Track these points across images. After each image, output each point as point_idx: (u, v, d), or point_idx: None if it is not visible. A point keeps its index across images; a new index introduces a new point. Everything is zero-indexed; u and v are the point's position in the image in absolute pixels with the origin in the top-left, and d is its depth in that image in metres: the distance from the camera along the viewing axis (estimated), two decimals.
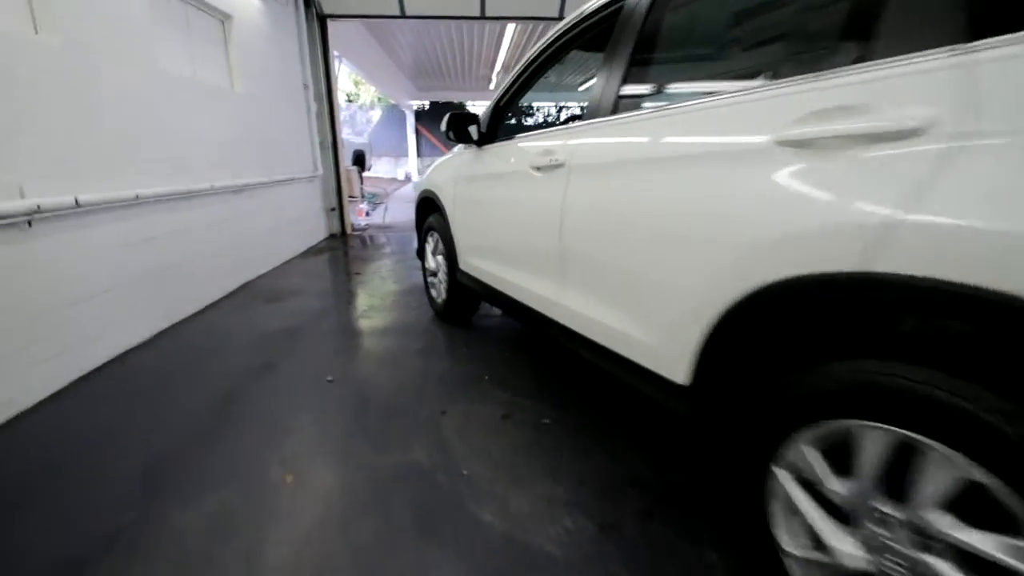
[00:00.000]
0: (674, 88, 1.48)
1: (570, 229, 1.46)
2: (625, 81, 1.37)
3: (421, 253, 3.08)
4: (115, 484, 1.46)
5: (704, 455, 1.58)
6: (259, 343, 2.58)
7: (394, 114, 17.60)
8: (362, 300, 3.41)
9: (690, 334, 1.06)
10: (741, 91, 1.01)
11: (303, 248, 5.16)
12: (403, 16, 5.64)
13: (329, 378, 2.14)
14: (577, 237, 1.45)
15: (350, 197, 6.50)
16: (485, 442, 1.66)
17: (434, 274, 2.88)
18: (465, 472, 1.50)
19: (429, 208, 2.85)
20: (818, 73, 0.87)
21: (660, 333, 1.16)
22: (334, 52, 6.39)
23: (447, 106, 17.56)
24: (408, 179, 16.62)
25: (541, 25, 7.48)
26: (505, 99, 2.10)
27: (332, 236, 6.07)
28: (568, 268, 1.51)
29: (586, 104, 1.50)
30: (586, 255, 1.42)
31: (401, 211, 8.78)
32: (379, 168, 16.33)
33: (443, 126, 2.13)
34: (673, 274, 1.11)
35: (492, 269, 2.09)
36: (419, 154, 17.83)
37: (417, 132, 17.67)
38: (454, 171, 2.43)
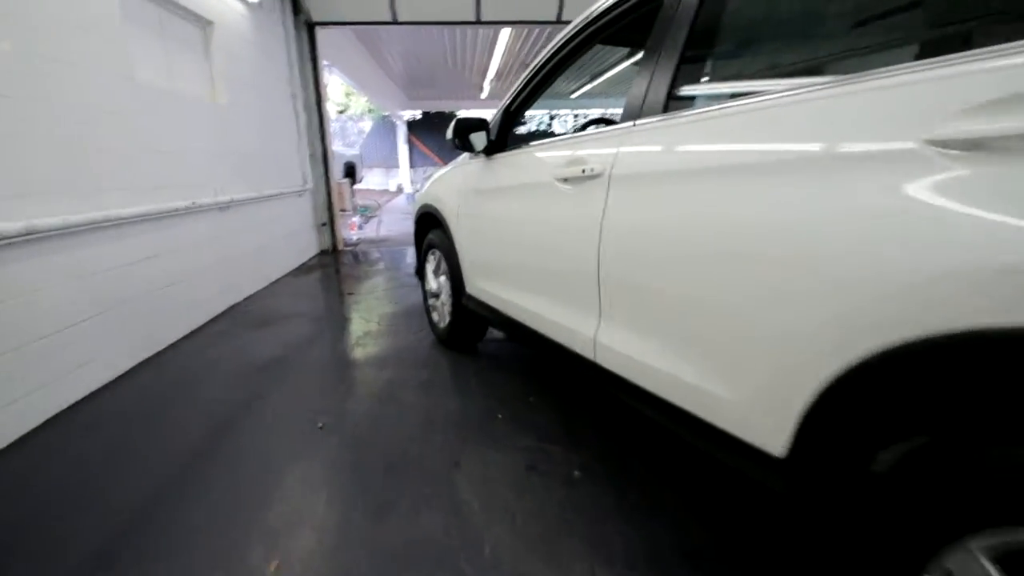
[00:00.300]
0: (756, 75, 1.24)
1: (613, 253, 1.22)
2: (682, 71, 1.13)
3: (421, 272, 2.83)
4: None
5: (800, 532, 1.33)
6: (243, 378, 2.30)
7: (385, 125, 17.40)
8: (357, 324, 3.15)
9: (794, 395, 0.81)
10: (864, 75, 0.77)
11: (293, 266, 4.88)
12: (395, 22, 5.43)
13: (320, 424, 1.87)
14: (624, 263, 1.20)
15: (341, 211, 6.24)
16: (508, 503, 1.40)
17: (436, 296, 2.63)
18: (488, 550, 1.24)
19: (429, 223, 2.61)
20: (993, 47, 0.63)
21: (747, 390, 0.91)
22: (323, 61, 6.16)
23: (439, 116, 17.39)
24: (400, 190, 16.39)
25: (536, 30, 7.32)
26: (517, 103, 1.87)
27: (323, 252, 5.80)
28: (611, 299, 1.26)
29: (624, 105, 1.26)
30: (637, 285, 1.17)
31: (395, 224, 8.53)
32: (371, 180, 16.12)
33: (449, 133, 1.89)
34: (770, 318, 0.85)
35: (506, 295, 1.84)
36: (411, 165, 17.62)
37: (409, 143, 17.46)
38: (459, 183, 2.18)
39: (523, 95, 1.84)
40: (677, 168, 1.07)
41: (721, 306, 0.95)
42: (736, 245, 0.91)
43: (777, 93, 0.89)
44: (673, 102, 1.14)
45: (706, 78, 1.28)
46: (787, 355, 0.82)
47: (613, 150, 1.24)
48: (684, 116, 1.09)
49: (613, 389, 1.30)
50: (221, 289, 3.43)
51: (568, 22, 5.27)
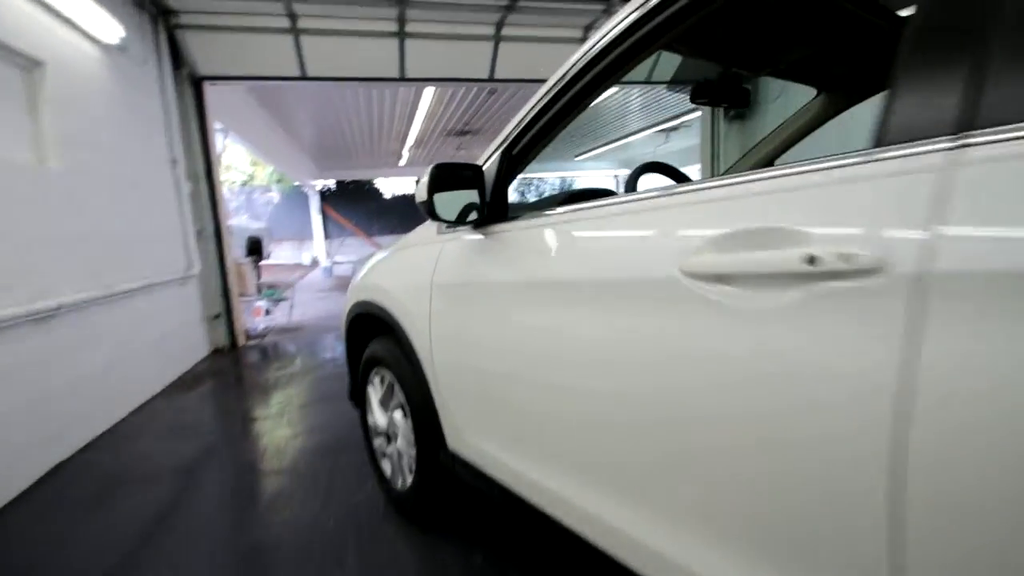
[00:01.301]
0: None
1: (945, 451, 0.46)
2: None
3: (358, 398, 1.91)
4: None
5: None
6: None
7: (296, 195, 16.21)
8: (267, 481, 2.10)
9: None
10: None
11: (170, 379, 3.66)
12: (303, 78, 4.67)
13: None
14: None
15: (242, 296, 5.10)
16: None
17: (387, 438, 1.72)
18: None
19: (372, 328, 1.74)
20: None
21: None
22: (216, 123, 5.22)
23: (355, 186, 16.54)
24: (315, 264, 15.03)
25: (460, 92, 6.90)
26: (526, 140, 1.13)
27: (218, 351, 4.58)
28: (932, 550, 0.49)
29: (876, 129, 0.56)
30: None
31: (310, 304, 7.38)
32: (281, 254, 14.70)
33: (420, 192, 1.10)
34: None
35: (547, 479, 1.01)
36: (327, 236, 16.41)
37: (323, 213, 16.33)
38: (426, 273, 1.36)
39: (537, 127, 1.10)
40: None
41: None
42: None
43: None
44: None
45: None
46: None
47: (919, 212, 0.50)
48: None
49: None
50: (42, 440, 2.25)
51: (505, 80, 4.77)
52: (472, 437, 1.24)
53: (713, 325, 0.67)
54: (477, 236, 1.20)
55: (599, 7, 4.52)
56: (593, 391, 0.88)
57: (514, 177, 1.21)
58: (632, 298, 0.80)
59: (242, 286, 5.04)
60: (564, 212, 1.00)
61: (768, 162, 1.91)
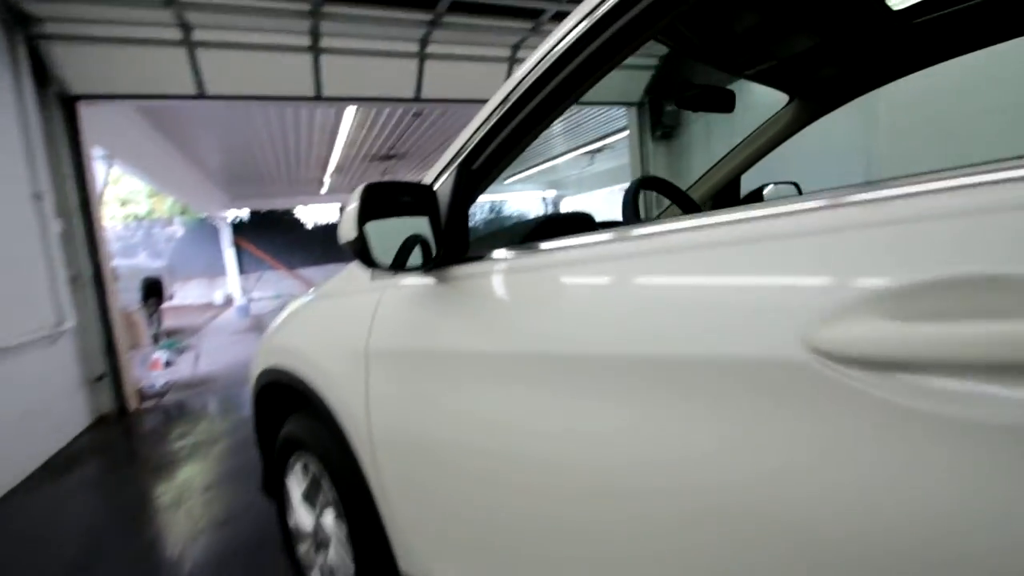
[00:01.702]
0: None
1: None
2: None
3: (275, 491, 1.48)
4: None
5: None
6: None
7: (204, 227, 14.84)
8: None
9: None
10: None
11: (34, 466, 2.92)
12: (203, 96, 4.13)
13: None
14: None
15: (135, 349, 4.35)
16: None
17: (317, 544, 1.31)
18: None
19: (289, 401, 1.34)
20: None
21: None
22: (96, 149, 4.51)
23: (270, 216, 15.43)
24: (229, 302, 13.74)
25: (386, 113, 6.54)
26: (492, 150, 0.83)
27: (103, 420, 3.80)
28: None
29: None
30: None
31: (223, 350, 6.55)
32: (189, 294, 13.34)
33: (345, 229, 0.75)
34: None
35: None
36: (242, 271, 15.10)
37: (237, 246, 15.04)
38: (360, 332, 0.99)
39: (507, 130, 0.80)
40: None
41: None
42: None
43: None
44: None
45: None
46: None
47: None
48: None
49: None
50: None
51: (432, 100, 4.45)
52: (435, 562, 0.89)
53: (887, 451, 0.38)
54: (429, 281, 0.87)
55: (527, 25, 4.38)
56: (625, 529, 0.57)
57: (475, 199, 0.91)
58: (702, 388, 0.50)
59: (134, 337, 4.30)
60: (564, 248, 0.70)
61: (740, 173, 1.74)
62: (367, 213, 0.73)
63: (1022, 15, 1.16)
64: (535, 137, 0.84)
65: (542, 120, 0.81)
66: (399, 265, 0.80)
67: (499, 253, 0.79)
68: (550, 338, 0.65)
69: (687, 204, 1.47)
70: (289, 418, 1.34)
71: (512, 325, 0.72)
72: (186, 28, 3.79)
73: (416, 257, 0.79)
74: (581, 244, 0.69)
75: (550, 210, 16.36)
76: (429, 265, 0.81)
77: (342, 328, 1.07)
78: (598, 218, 1.18)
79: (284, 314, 1.39)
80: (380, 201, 0.75)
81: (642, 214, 1.32)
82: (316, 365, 1.13)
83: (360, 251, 0.73)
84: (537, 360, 0.66)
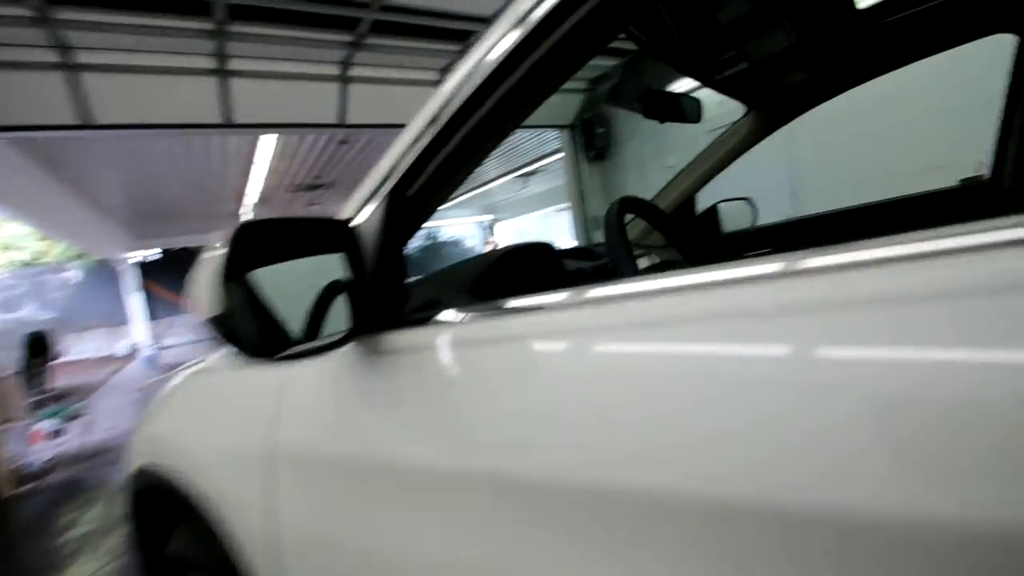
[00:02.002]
0: None
1: None
2: None
3: None
4: None
5: None
6: None
7: (104, 271, 13.34)
8: None
9: None
10: None
11: None
12: (88, 126, 3.61)
13: None
14: None
15: (7, 423, 3.66)
16: None
17: None
18: None
19: (170, 511, 1.02)
20: None
21: None
22: None
23: (185, 254, 14.16)
24: (135, 353, 12.33)
25: (309, 140, 6.16)
26: (432, 171, 0.60)
27: None
28: None
29: None
30: None
31: (124, 411, 5.73)
32: (85, 346, 11.90)
33: (202, 295, 0.50)
34: None
35: None
36: (152, 317, 13.64)
37: (146, 290, 13.59)
38: (261, 422, 0.71)
39: (450, 147, 0.58)
40: None
41: None
42: None
43: None
44: None
45: None
46: None
47: None
48: None
49: None
50: None
51: (357, 126, 4.15)
52: None
53: None
54: (356, 354, 0.62)
55: (455, 47, 4.24)
56: None
57: (412, 235, 0.67)
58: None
59: (4, 409, 3.61)
60: (543, 308, 0.48)
61: (698, 189, 1.63)
62: (240, 265, 0.48)
63: (983, 16, 1.11)
64: (490, 149, 0.62)
65: (494, 130, 0.60)
66: (310, 339, 0.54)
67: (448, 315, 0.56)
68: (531, 449, 0.43)
69: (671, 229, 1.30)
70: (176, 531, 1.01)
71: (475, 427, 0.48)
72: (63, 49, 3.31)
73: (324, 332, 0.54)
74: (568, 302, 0.47)
75: (486, 236, 16.20)
76: (350, 338, 0.56)
77: (237, 416, 0.79)
78: (554, 245, 0.98)
79: (164, 392, 1.07)
80: (259, 246, 0.50)
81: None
82: (204, 468, 0.82)
83: (231, 335, 0.47)
84: (515, 487, 0.43)
